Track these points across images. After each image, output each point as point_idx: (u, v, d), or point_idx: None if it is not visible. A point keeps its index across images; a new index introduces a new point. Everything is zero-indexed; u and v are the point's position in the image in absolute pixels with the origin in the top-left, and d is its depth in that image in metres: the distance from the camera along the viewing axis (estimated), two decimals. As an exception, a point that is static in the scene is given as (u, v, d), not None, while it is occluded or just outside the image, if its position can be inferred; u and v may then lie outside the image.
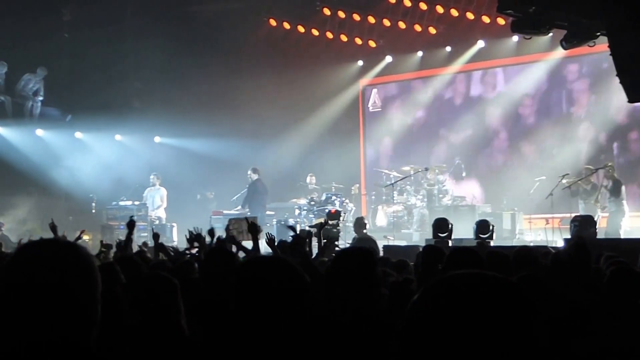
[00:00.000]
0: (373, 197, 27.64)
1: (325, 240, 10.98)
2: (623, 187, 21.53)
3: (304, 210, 25.23)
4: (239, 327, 3.55)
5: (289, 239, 10.42)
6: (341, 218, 20.78)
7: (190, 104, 28.76)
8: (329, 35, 28.92)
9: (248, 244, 10.85)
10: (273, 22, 29.25)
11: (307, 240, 9.91)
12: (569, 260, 7.88)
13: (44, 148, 27.83)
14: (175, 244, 22.39)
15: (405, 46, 28.12)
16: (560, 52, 22.32)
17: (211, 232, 10.97)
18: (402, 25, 27.49)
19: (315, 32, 29.03)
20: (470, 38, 26.76)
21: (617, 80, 13.50)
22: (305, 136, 28.76)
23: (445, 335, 2.00)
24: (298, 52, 28.96)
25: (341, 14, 28.44)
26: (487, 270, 2.17)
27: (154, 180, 26.71)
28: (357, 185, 28.39)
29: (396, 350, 2.09)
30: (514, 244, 18.23)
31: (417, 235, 23.48)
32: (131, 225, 11.42)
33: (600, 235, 17.96)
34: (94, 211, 26.71)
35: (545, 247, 13.59)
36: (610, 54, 13.53)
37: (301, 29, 29.07)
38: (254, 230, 10.35)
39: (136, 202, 26.30)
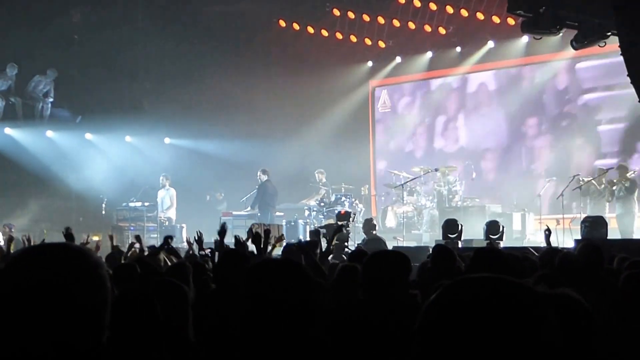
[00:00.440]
0: (383, 198, 27.63)
1: (337, 242, 10.98)
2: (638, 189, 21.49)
3: (314, 211, 25.21)
4: (248, 328, 3.54)
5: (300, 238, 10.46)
6: (351, 219, 20.72)
7: (200, 105, 28.78)
8: (339, 36, 28.91)
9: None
10: (283, 23, 29.25)
11: (317, 240, 9.93)
12: (580, 262, 7.84)
13: (54, 149, 27.87)
14: (184, 244, 22.44)
15: (415, 47, 28.10)
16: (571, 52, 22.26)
17: (222, 230, 10.91)
18: (411, 25, 27.47)
19: (325, 33, 29.02)
20: (481, 38, 26.72)
21: None
22: (315, 137, 28.73)
23: (459, 337, 2.00)
24: (308, 53, 28.95)
25: (351, 15, 28.43)
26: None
27: (164, 181, 26.74)
28: (367, 186, 28.36)
29: (413, 350, 2.09)
30: (524, 245, 18.19)
31: (427, 236, 23.47)
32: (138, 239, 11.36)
33: (613, 235, 17.91)
34: (104, 212, 26.73)
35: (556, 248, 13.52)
36: (621, 54, 13.49)
37: (311, 29, 29.06)
38: (266, 234, 10.28)
39: (146, 204, 26.34)
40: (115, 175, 27.50)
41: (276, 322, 3.49)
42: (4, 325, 2.42)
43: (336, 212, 21.99)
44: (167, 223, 26.07)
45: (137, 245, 13.38)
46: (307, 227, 23.84)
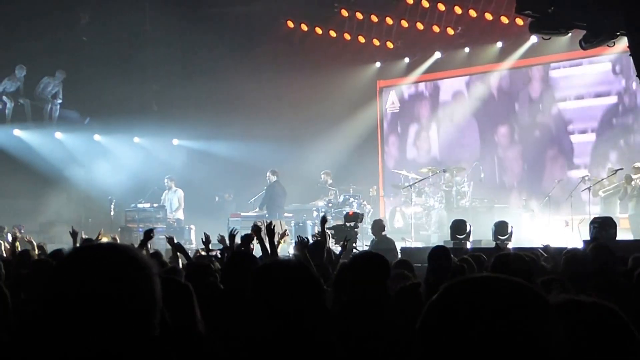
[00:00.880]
0: (391, 199, 27.62)
1: (348, 241, 11.00)
2: None
3: (322, 212, 25.20)
4: (256, 328, 3.54)
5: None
6: (359, 220, 20.70)
7: (209, 106, 28.80)
8: (347, 36, 28.90)
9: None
10: (291, 24, 29.27)
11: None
12: (589, 263, 7.81)
13: (63, 151, 27.95)
14: (193, 246, 22.46)
15: (423, 47, 28.08)
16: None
17: (231, 235, 10.91)
18: (420, 26, 27.44)
19: (333, 34, 29.02)
20: (489, 39, 26.68)
21: None
22: (323, 138, 28.70)
23: (459, 337, 2.02)
24: (316, 54, 28.95)
25: (359, 16, 28.42)
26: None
27: (169, 183, 26.76)
28: (375, 187, 28.34)
29: (415, 347, 2.11)
30: (533, 246, 18.15)
31: (436, 236, 23.43)
32: (147, 235, 11.35)
33: (624, 236, 17.85)
34: (112, 213, 26.75)
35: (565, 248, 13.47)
36: (630, 54, 13.45)
37: (319, 30, 29.06)
38: (271, 233, 10.31)
39: (155, 205, 26.38)
40: (123, 177, 27.54)
41: (283, 323, 3.48)
42: (56, 324, 2.44)
43: (344, 213, 21.96)
44: (175, 224, 26.10)
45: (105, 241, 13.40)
46: (316, 228, 23.83)
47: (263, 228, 9.96)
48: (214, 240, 11.80)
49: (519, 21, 23.83)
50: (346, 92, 29.51)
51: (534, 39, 24.82)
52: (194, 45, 28.40)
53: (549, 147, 26.11)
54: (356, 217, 20.44)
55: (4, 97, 27.54)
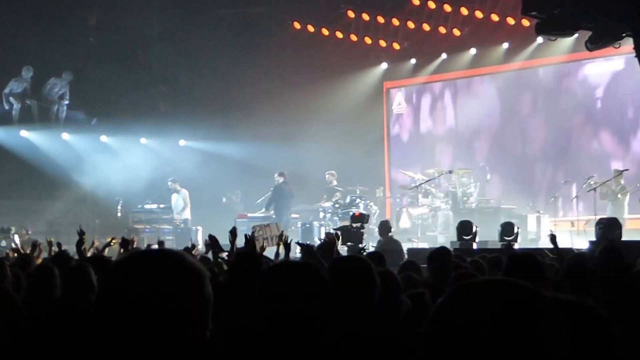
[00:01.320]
0: (398, 200, 27.62)
1: (351, 244, 11.02)
2: None
3: (329, 213, 25.23)
4: (262, 329, 3.56)
5: (315, 241, 10.48)
6: (365, 221, 20.70)
7: (216, 107, 28.83)
8: (353, 37, 28.91)
9: (272, 250, 10.84)
10: (297, 25, 29.27)
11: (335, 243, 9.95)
12: (595, 263, 7.81)
13: (70, 152, 27.98)
14: (200, 247, 22.47)
15: (429, 48, 28.08)
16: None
17: (233, 232, 10.92)
18: (426, 27, 27.43)
19: (339, 35, 29.03)
20: (495, 40, 26.68)
21: None
22: (330, 139, 28.69)
23: (464, 339, 2.04)
24: (322, 55, 28.95)
25: (365, 17, 28.42)
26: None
27: (173, 185, 26.78)
28: (382, 187, 28.37)
29: (421, 351, 2.13)
30: (539, 247, 18.16)
31: (442, 237, 23.41)
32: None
33: (631, 237, 17.82)
34: (119, 214, 26.80)
35: (571, 249, 13.51)
36: (636, 56, 13.46)
37: (325, 31, 29.07)
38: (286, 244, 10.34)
39: (161, 206, 26.42)
40: (130, 178, 27.55)
41: (291, 324, 3.50)
42: (109, 327, 2.49)
43: (351, 214, 21.97)
44: (182, 225, 26.13)
45: (154, 247, 13.43)
46: (322, 229, 23.87)
47: (263, 234, 9.94)
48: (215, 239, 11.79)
49: (525, 22, 23.80)
50: (353, 93, 29.54)
51: (540, 40, 24.82)
52: (200, 46, 28.41)
53: (564, 149, 26.05)
54: (362, 218, 20.43)
55: (11, 98, 27.60)
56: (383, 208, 27.61)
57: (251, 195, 27.52)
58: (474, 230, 17.06)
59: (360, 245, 11.38)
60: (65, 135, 28.35)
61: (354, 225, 19.83)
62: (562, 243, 20.00)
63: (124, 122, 27.51)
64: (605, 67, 25.30)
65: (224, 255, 10.67)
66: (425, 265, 10.49)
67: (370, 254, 10.53)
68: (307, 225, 24.11)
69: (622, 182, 22.12)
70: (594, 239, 15.68)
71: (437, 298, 2.21)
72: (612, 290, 7.09)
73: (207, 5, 28.65)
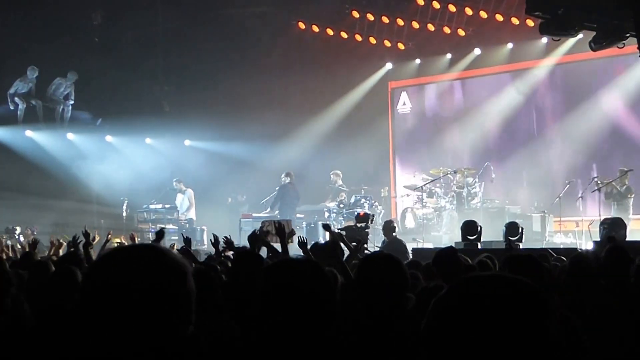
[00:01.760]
0: (402, 200, 27.62)
1: (355, 243, 11.00)
2: None
3: (334, 212, 25.25)
4: (263, 328, 3.57)
5: (320, 240, 10.48)
6: (370, 221, 20.71)
7: (221, 107, 28.81)
8: (358, 37, 28.90)
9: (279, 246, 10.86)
10: (302, 25, 29.27)
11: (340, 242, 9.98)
12: (602, 263, 7.80)
13: (75, 152, 28.03)
14: (205, 247, 22.51)
15: (434, 48, 28.09)
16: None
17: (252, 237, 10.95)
18: (431, 27, 27.42)
19: (344, 35, 29.03)
20: (500, 40, 26.69)
21: None
22: (335, 139, 28.73)
23: (463, 332, 2.09)
24: (327, 55, 28.94)
25: (370, 17, 28.40)
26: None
27: (178, 185, 26.85)
28: (387, 187, 28.37)
29: (423, 344, 2.18)
30: (543, 247, 18.17)
31: (447, 237, 23.41)
32: (160, 235, 11.40)
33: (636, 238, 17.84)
34: (124, 214, 26.83)
35: (575, 249, 13.52)
36: (640, 56, 13.48)
37: (330, 31, 29.07)
38: (282, 232, 10.37)
39: (166, 206, 26.47)
40: (135, 178, 27.59)
41: (293, 320, 3.51)
42: (93, 321, 2.50)
43: (355, 214, 21.98)
44: (187, 225, 26.18)
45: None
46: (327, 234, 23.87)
47: (272, 229, 10.00)
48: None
49: (530, 22, 23.81)
50: (357, 93, 29.57)
51: (544, 39, 24.85)
52: (205, 46, 28.42)
53: (569, 149, 26.08)
54: (367, 218, 20.45)
55: (16, 99, 27.62)
56: (388, 208, 27.62)
57: (256, 196, 27.54)
58: (478, 230, 17.06)
59: (353, 244, 11.29)
60: (70, 136, 28.39)
61: (359, 225, 19.85)
62: (567, 243, 20.10)
63: (129, 122, 27.54)
64: (607, 66, 25.30)
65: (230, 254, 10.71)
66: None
67: (319, 246, 10.53)
68: (312, 225, 24.14)
69: (627, 182, 22.11)
70: (598, 239, 15.72)
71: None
72: (616, 290, 7.10)
73: (212, 5, 28.64)
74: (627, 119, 25.14)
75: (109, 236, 15.13)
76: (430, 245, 21.11)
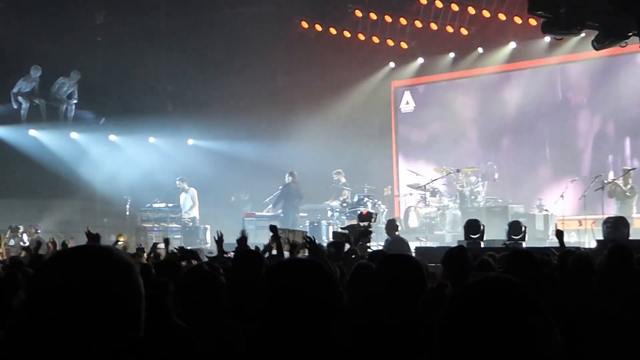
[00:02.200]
0: (406, 199, 27.64)
1: (360, 243, 11.02)
2: None
3: (336, 211, 25.25)
4: (266, 328, 3.59)
5: (324, 240, 10.49)
6: (373, 219, 20.73)
7: (223, 106, 28.84)
8: (361, 37, 28.93)
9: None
10: (305, 25, 29.30)
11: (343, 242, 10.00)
12: (605, 263, 7.80)
13: (79, 151, 28.07)
14: (208, 246, 22.54)
15: (437, 47, 28.08)
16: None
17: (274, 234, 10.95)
18: (433, 26, 27.45)
19: (347, 34, 29.05)
20: (502, 39, 26.69)
21: None
22: (338, 138, 28.74)
23: (469, 331, 2.39)
24: (330, 54, 28.95)
25: (373, 16, 28.44)
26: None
27: (181, 184, 26.88)
28: (390, 186, 28.36)
29: (437, 342, 2.47)
30: (546, 245, 18.17)
31: (450, 236, 23.43)
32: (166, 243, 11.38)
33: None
34: (128, 213, 26.88)
35: (578, 248, 13.50)
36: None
37: (333, 31, 29.09)
38: (293, 246, 10.36)
39: (170, 204, 26.48)
40: (139, 177, 27.62)
41: (296, 320, 3.52)
42: (39, 325, 2.50)
43: (358, 212, 21.99)
44: (191, 224, 26.22)
45: (160, 246, 13.49)
46: (330, 227, 23.91)
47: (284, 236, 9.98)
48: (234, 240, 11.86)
49: (532, 21, 23.81)
50: (360, 92, 29.58)
51: (547, 39, 24.87)
52: (208, 45, 28.45)
53: (572, 148, 26.11)
54: (370, 217, 20.47)
55: (20, 98, 27.67)
56: (391, 207, 27.61)
57: (260, 194, 27.55)
58: (481, 229, 17.09)
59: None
60: (73, 135, 28.43)
61: (362, 224, 19.85)
62: (570, 242, 20.07)
63: (132, 122, 27.57)
64: (608, 65, 25.32)
65: (230, 254, 10.72)
66: (432, 265, 10.53)
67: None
68: (315, 224, 24.16)
69: (631, 181, 22.11)
70: (601, 237, 15.71)
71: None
72: (618, 289, 7.10)
73: (215, 4, 28.67)
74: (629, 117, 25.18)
75: (119, 237, 15.15)
76: (433, 244, 21.13)
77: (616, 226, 15.93)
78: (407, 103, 30.21)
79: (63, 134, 28.02)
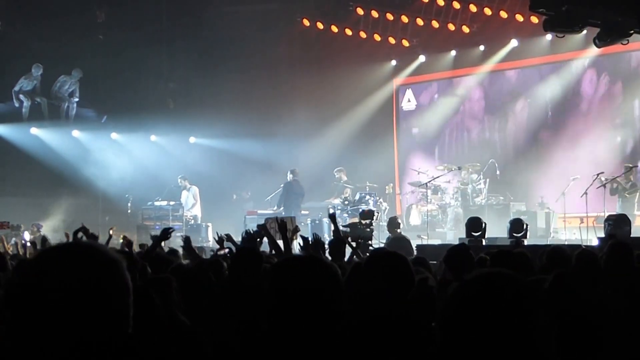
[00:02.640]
0: (407, 197, 27.64)
1: (361, 241, 11.03)
2: None
3: (338, 209, 25.21)
4: (269, 326, 3.58)
5: (325, 237, 10.46)
6: (375, 217, 20.72)
7: (225, 104, 28.82)
8: (363, 34, 28.91)
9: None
10: (306, 22, 29.27)
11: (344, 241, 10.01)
12: (603, 259, 7.80)
13: (80, 149, 28.07)
14: (210, 244, 22.53)
15: (438, 45, 28.06)
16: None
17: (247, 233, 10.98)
18: (435, 24, 27.43)
19: (348, 32, 29.03)
20: (504, 37, 26.67)
21: None
22: (340, 136, 28.75)
23: (470, 324, 2.45)
24: (332, 52, 28.96)
25: (374, 14, 28.43)
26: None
27: (183, 182, 26.89)
28: (392, 184, 28.34)
29: (437, 336, 2.55)
30: (548, 243, 18.18)
31: (452, 234, 23.43)
32: (163, 234, 11.34)
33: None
34: (129, 211, 26.88)
35: (580, 246, 13.50)
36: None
37: (335, 28, 29.07)
38: (283, 229, 10.35)
39: (171, 202, 26.48)
40: (140, 175, 27.63)
41: (299, 318, 3.51)
42: (25, 321, 2.49)
43: (360, 210, 21.98)
44: (192, 222, 26.23)
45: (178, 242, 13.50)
46: (332, 226, 23.84)
47: (275, 226, 10.02)
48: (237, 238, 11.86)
49: (534, 19, 23.80)
50: (362, 90, 29.55)
51: (549, 36, 24.85)
52: (210, 43, 28.46)
53: (574, 145, 26.08)
54: (371, 215, 20.44)
55: (21, 96, 27.68)
56: (393, 205, 27.60)
57: (261, 192, 27.55)
58: (483, 226, 17.08)
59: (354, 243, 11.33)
60: (75, 133, 28.44)
61: (363, 221, 19.85)
62: (572, 240, 20.08)
63: (134, 120, 27.60)
64: (608, 65, 25.33)
65: (226, 251, 10.72)
66: (434, 262, 10.52)
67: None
68: (317, 222, 24.14)
69: (632, 178, 22.10)
70: (603, 235, 15.70)
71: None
72: (619, 286, 7.10)
73: (216, 1, 28.67)
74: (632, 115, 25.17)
75: (111, 231, 15.15)
76: (435, 242, 21.12)
77: (618, 224, 15.93)
78: (409, 101, 30.20)
79: (64, 132, 28.02)
